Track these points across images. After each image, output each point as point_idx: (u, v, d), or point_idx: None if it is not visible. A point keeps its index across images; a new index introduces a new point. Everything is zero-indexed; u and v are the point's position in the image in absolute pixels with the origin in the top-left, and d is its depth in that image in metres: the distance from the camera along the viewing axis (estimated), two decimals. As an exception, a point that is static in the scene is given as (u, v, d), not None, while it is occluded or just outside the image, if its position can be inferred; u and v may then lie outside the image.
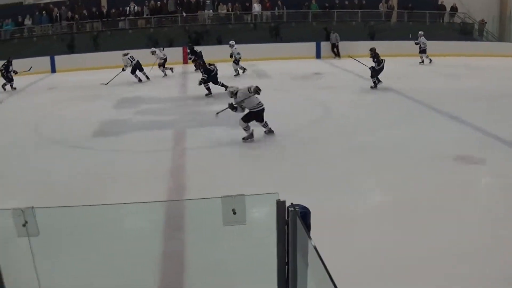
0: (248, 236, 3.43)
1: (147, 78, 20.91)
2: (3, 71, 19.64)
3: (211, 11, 29.47)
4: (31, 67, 20.17)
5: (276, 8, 29.63)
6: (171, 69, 22.32)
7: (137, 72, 20.71)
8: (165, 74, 21.88)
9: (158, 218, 5.01)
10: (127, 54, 20.67)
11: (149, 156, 10.42)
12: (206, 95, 16.76)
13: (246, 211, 2.90)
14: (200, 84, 16.67)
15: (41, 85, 21.24)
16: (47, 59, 25.19)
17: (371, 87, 16.67)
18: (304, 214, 2.87)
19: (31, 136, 12.50)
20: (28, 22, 27.96)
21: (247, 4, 29.93)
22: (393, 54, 23.18)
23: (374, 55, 16.50)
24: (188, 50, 22.76)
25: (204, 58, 20.83)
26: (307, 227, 2.81)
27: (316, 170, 8.97)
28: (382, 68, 16.52)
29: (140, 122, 12.99)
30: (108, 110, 15.04)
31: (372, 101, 15.10)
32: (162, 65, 21.92)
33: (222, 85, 16.62)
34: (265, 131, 11.27)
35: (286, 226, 2.92)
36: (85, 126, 12.69)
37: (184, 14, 28.37)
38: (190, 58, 22.78)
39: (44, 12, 28.37)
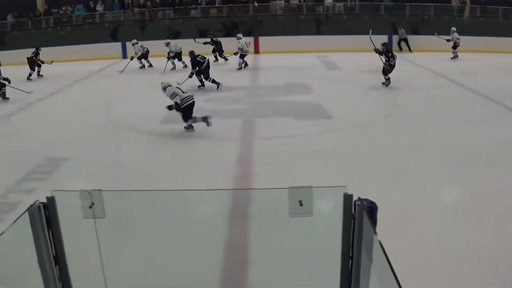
0: (314, 228, 3.42)
1: (151, 65, 21.99)
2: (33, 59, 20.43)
3: (282, 1, 29.40)
4: (52, 60, 20.50)
5: (349, 0, 29.29)
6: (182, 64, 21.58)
7: (143, 60, 21.95)
8: (174, 67, 21.37)
9: (224, 206, 5.05)
10: (137, 42, 21.74)
11: (217, 144, 10.53)
12: (198, 86, 16.55)
13: (313, 203, 2.89)
14: (190, 77, 16.32)
15: (112, 70, 21.75)
16: (118, 45, 25.78)
17: (383, 83, 16.03)
18: (371, 209, 2.83)
19: (101, 120, 12.89)
20: (100, 8, 28.64)
21: (320, -5, 29.69)
22: (469, 49, 22.48)
23: (386, 50, 15.79)
24: (209, 40, 22.54)
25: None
26: (374, 222, 2.77)
27: (385, 165, 8.82)
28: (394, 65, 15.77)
29: (210, 110, 13.15)
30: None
31: (441, 95, 14.67)
32: (174, 57, 21.24)
33: (213, 81, 16.34)
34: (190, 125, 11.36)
35: (352, 220, 2.89)
36: (155, 112, 12.94)
37: (256, 4, 28.40)
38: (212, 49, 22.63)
39: (116, -2, 28.99)
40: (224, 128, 11.52)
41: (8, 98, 15.79)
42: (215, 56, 22.38)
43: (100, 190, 2.94)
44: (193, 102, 11.15)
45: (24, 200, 7.67)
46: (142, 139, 11.19)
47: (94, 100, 15.52)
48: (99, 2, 28.54)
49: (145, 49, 21.78)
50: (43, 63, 20.53)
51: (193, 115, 11.24)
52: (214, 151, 10.04)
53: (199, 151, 10.12)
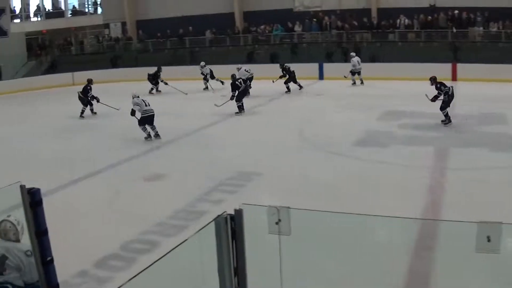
0: (501, 266, 3.18)
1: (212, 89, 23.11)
2: (152, 78, 23.08)
3: (481, 28, 27.91)
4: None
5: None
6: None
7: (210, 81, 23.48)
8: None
9: (409, 235, 4.90)
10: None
11: (408, 170, 10.25)
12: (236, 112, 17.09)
13: (501, 240, 2.68)
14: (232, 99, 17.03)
15: (309, 91, 22.12)
16: (315, 65, 26.11)
17: (443, 121, 14.12)
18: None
19: (294, 138, 13.22)
20: (298, 28, 29.34)
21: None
22: None
23: (437, 83, 13.88)
24: (280, 68, 21.99)
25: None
26: None
27: None
28: (452, 96, 13.92)
29: (402, 136, 12.86)
30: (371, 121, 15.14)
31: None
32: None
33: (240, 106, 17.12)
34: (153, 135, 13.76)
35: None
36: (348, 134, 12.97)
37: (454, 30, 27.30)
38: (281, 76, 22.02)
39: (314, 19, 29.34)
40: (416, 155, 11.19)
41: (95, 113, 18.33)
42: (288, 87, 21.82)
43: (288, 207, 2.99)
44: (153, 115, 13.69)
45: (210, 210, 8.11)
46: (334, 159, 11.27)
47: (291, 118, 15.96)
48: (297, 23, 29.26)
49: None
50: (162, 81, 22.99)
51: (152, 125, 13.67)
52: (403, 177, 9.79)
53: (387, 175, 9.93)
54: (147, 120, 13.66)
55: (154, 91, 23.31)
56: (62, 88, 26.09)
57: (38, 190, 3.54)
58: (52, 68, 31.97)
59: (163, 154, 12.69)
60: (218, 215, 2.92)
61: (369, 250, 3.81)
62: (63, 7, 36.80)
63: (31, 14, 36.04)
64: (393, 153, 11.19)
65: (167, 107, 17.51)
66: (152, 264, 2.83)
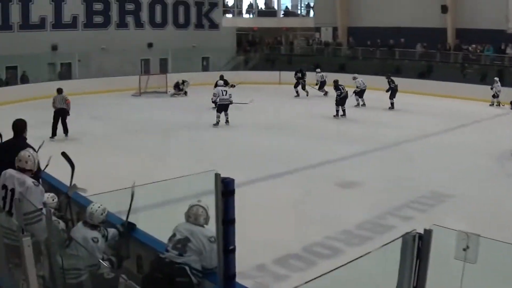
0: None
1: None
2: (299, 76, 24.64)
3: None
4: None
5: None
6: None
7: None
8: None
9: None
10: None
11: None
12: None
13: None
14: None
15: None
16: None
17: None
18: None
19: (491, 164, 12.66)
20: (510, 51, 27.44)
21: None
22: None
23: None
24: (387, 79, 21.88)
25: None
26: None
27: None
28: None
29: None
30: None
31: None
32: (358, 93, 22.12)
33: (341, 111, 18.86)
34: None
35: None
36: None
37: None
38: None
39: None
40: None
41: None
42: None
43: (479, 235, 2.90)
44: (227, 104, 16.77)
45: (398, 226, 8.02)
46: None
47: (487, 143, 15.01)
48: (510, 45, 27.38)
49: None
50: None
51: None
52: None
53: None
54: (222, 107, 16.68)
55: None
56: (271, 86, 26.98)
57: (232, 180, 3.72)
58: (261, 65, 33.43)
59: (360, 162, 12.75)
60: (407, 233, 2.91)
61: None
62: (275, 7, 38.30)
63: (243, 11, 37.81)
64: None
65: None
66: (332, 270, 2.89)
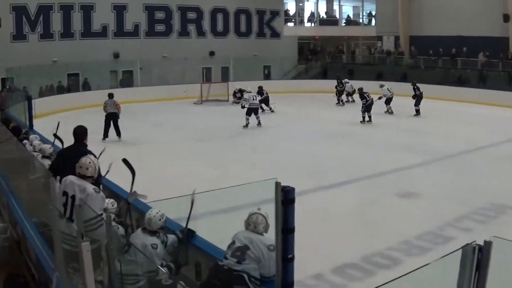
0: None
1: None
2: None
3: None
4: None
5: None
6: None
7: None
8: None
9: None
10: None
11: None
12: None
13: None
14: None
15: None
16: None
17: None
18: None
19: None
20: None
21: None
22: None
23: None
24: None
25: None
26: None
27: None
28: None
29: None
30: None
31: None
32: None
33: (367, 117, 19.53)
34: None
35: None
36: None
37: None
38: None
39: None
40: None
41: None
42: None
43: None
44: (257, 108, 18.80)
45: (457, 237, 7.91)
46: None
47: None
48: None
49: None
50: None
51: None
52: None
53: None
54: (251, 110, 18.41)
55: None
56: (328, 94, 26.80)
57: (292, 189, 3.74)
58: (323, 74, 33.38)
59: (421, 172, 12.55)
60: (467, 244, 2.88)
61: None
62: (337, 16, 38.14)
63: (305, 19, 37.66)
64: None
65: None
66: (390, 281, 2.89)
